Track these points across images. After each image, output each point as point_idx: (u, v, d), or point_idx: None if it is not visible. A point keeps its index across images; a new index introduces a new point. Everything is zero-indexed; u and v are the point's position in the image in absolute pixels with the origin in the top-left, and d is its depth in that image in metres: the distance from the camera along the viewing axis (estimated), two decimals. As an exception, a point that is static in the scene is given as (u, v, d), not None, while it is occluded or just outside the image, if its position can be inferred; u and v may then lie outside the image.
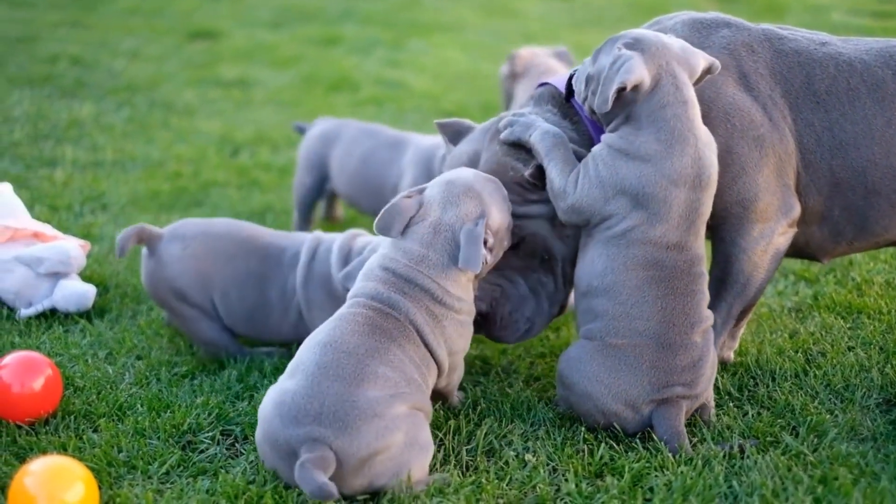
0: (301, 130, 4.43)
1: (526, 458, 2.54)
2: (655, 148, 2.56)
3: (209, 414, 2.74)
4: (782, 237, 2.82)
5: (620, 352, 2.59)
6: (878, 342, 3.19)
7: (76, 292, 3.39)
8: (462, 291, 2.59)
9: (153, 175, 4.99)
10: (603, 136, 2.67)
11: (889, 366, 3.02)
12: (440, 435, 2.65)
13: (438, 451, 2.58)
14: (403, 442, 2.33)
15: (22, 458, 2.52)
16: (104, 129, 5.70)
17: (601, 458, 2.53)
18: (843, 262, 3.85)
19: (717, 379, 2.91)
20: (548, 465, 2.53)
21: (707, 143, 2.61)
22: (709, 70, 2.66)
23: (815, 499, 2.34)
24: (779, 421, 2.71)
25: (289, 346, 3.16)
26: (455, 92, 6.77)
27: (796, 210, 2.82)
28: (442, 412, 2.77)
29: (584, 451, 2.58)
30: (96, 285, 3.56)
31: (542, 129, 2.76)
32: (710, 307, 2.69)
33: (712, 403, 2.71)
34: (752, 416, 2.75)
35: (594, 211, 2.62)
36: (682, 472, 2.43)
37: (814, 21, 8.26)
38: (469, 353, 3.17)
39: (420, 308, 2.52)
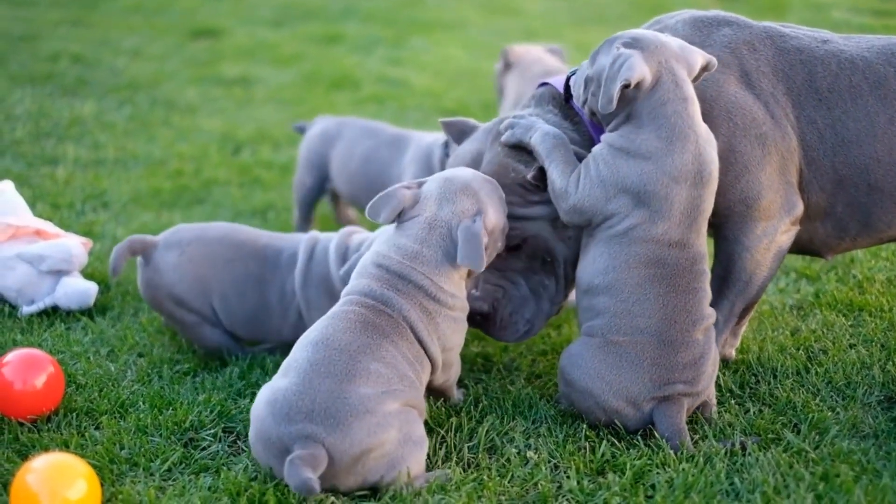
0: (301, 131, 4.39)
1: (527, 455, 2.54)
2: (656, 145, 2.56)
3: (211, 411, 2.75)
4: (785, 235, 2.82)
5: (622, 349, 2.59)
6: (879, 339, 3.19)
7: (78, 290, 3.39)
8: (455, 288, 2.58)
9: (155, 173, 4.98)
10: (603, 136, 2.67)
11: (890, 363, 3.02)
12: (442, 432, 2.66)
13: (440, 448, 2.59)
14: (396, 438, 2.32)
15: (24, 456, 2.53)
16: (106, 128, 5.70)
17: (603, 455, 2.53)
18: (845, 260, 3.85)
19: (718, 376, 2.91)
20: (549, 462, 2.53)
21: (707, 140, 2.61)
22: (706, 67, 2.66)
23: (816, 496, 2.34)
24: (780, 418, 2.72)
25: (290, 345, 3.15)
26: (456, 90, 6.76)
27: (799, 208, 2.81)
28: (443, 409, 2.77)
29: (585, 448, 2.58)
30: (98, 283, 3.57)
31: (542, 131, 2.76)
32: (712, 305, 2.69)
33: (714, 401, 2.71)
34: (754, 413, 2.75)
35: (596, 211, 2.62)
36: (683, 469, 2.43)
37: (815, 19, 8.24)
38: (471, 350, 3.18)
39: (413, 304, 2.51)
